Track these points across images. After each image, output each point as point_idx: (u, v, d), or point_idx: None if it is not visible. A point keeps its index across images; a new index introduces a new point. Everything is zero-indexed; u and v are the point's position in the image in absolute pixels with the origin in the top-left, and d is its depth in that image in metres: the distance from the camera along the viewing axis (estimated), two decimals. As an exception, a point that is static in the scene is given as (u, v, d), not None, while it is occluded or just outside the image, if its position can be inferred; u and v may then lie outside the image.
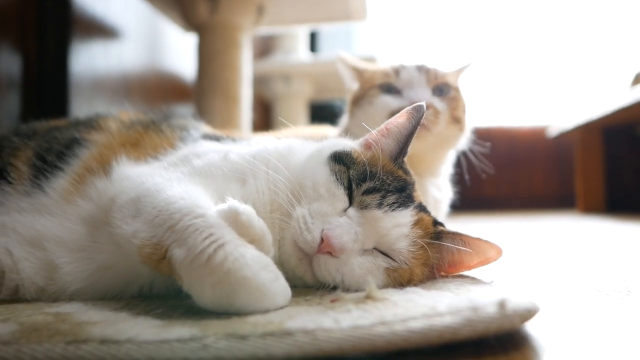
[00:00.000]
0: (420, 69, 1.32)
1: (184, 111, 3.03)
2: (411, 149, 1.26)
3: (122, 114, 1.07)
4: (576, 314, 0.75)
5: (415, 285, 0.79)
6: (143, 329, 0.58)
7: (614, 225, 2.58)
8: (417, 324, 0.53)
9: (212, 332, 0.55)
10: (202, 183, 0.80)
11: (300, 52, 3.74)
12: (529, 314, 0.57)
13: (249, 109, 2.37)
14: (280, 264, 0.81)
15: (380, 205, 0.78)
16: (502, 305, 0.55)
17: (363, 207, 0.78)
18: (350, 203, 0.80)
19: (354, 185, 0.80)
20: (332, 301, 0.68)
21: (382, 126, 0.90)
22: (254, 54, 3.55)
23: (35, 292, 0.79)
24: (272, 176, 0.83)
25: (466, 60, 1.45)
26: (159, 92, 2.85)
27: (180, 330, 0.56)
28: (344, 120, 1.44)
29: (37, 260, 0.80)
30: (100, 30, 2.30)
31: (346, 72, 1.45)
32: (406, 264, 0.79)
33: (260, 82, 3.63)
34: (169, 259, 0.66)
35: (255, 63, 3.35)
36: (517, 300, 0.57)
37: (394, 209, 0.79)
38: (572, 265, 1.26)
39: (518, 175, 4.35)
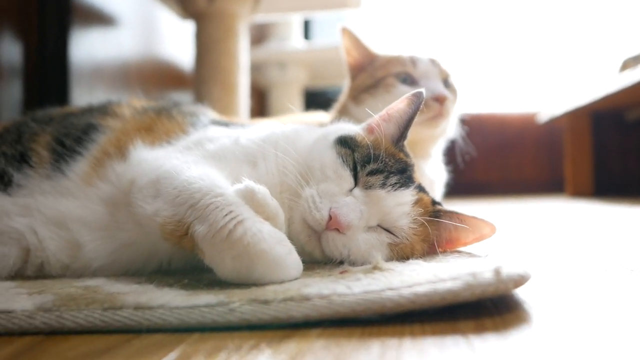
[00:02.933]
0: (433, 62, 1.41)
1: (182, 99, 3.07)
2: (424, 134, 1.38)
3: (133, 100, 1.12)
4: (564, 284, 0.82)
5: (416, 259, 0.85)
6: (172, 297, 0.64)
7: (602, 207, 2.66)
8: (421, 289, 0.59)
9: (237, 298, 0.61)
10: (217, 165, 0.85)
11: (295, 40, 3.77)
12: (521, 279, 0.63)
13: (247, 97, 2.41)
14: (291, 241, 0.87)
15: (383, 185, 0.84)
16: (497, 271, 0.61)
17: (367, 187, 0.84)
18: (356, 184, 0.85)
19: (358, 167, 0.86)
20: (342, 272, 0.74)
21: (384, 112, 0.95)
22: (250, 42, 3.58)
23: (60, 268, 0.85)
24: (281, 158, 0.89)
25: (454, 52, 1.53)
26: (156, 79, 2.88)
27: (207, 297, 0.62)
28: (343, 105, 1.48)
29: (61, 239, 0.85)
30: (98, 18, 2.32)
31: (352, 50, 1.47)
32: (407, 239, 0.85)
33: (255, 69, 3.66)
34: (191, 235, 0.71)
35: (250, 50, 3.38)
36: (511, 268, 0.63)
37: (396, 189, 0.85)
38: (561, 241, 1.33)
39: (508, 160, 4.41)
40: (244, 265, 0.68)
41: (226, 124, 1.08)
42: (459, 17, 4.23)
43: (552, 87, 4.25)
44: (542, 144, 4.40)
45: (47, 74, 2.04)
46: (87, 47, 2.20)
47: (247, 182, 0.77)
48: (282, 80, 3.75)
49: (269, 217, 0.76)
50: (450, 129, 1.48)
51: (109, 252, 0.84)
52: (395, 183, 0.85)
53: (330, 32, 4.10)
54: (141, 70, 2.70)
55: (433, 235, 0.89)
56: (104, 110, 1.05)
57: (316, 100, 3.97)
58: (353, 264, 0.82)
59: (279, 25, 3.74)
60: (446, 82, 1.42)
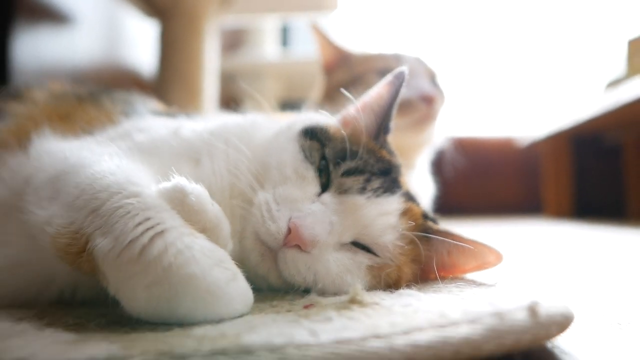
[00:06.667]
0: (418, 60, 1.27)
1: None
2: (409, 140, 1.20)
3: (53, 84, 0.90)
4: (606, 325, 0.62)
5: (406, 287, 0.65)
6: (44, 345, 0.42)
7: (584, 229, 2.53)
8: (424, 337, 0.39)
9: (139, 351, 0.39)
10: (145, 161, 0.64)
11: (271, 47, 3.59)
12: (565, 321, 0.43)
13: (214, 104, 2.20)
14: (242, 262, 0.66)
15: (362, 190, 0.64)
16: (533, 310, 0.42)
17: (342, 191, 0.64)
18: (327, 187, 0.65)
19: (330, 166, 0.66)
20: (306, 307, 0.54)
21: (359, 101, 0.76)
22: (222, 49, 3.38)
23: None
24: (233, 156, 0.68)
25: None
26: (118, 85, 2.63)
27: (94, 348, 0.40)
28: (318, 105, 1.29)
29: None
30: (49, 15, 2.08)
31: (324, 48, 1.33)
32: (392, 260, 0.65)
33: (227, 78, 3.46)
34: (91, 252, 0.50)
35: (222, 58, 3.18)
36: (549, 304, 0.44)
37: (378, 195, 0.65)
38: (562, 265, 1.15)
39: (486, 182, 4.47)
40: (164, 297, 0.47)
41: (170, 115, 0.87)
42: (438, 37, 4.12)
43: (529, 113, 4.28)
44: (518, 167, 4.51)
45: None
46: (34, 48, 1.95)
47: (177, 180, 0.56)
48: (256, 91, 3.54)
49: (206, 228, 0.55)
50: (436, 136, 1.30)
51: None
52: (378, 187, 0.66)
53: (309, 39, 3.93)
54: (101, 74, 2.46)
55: (426, 256, 0.69)
56: (12, 93, 0.83)
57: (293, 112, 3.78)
58: (322, 293, 0.61)
59: (254, 32, 3.55)
60: (433, 82, 1.25)
